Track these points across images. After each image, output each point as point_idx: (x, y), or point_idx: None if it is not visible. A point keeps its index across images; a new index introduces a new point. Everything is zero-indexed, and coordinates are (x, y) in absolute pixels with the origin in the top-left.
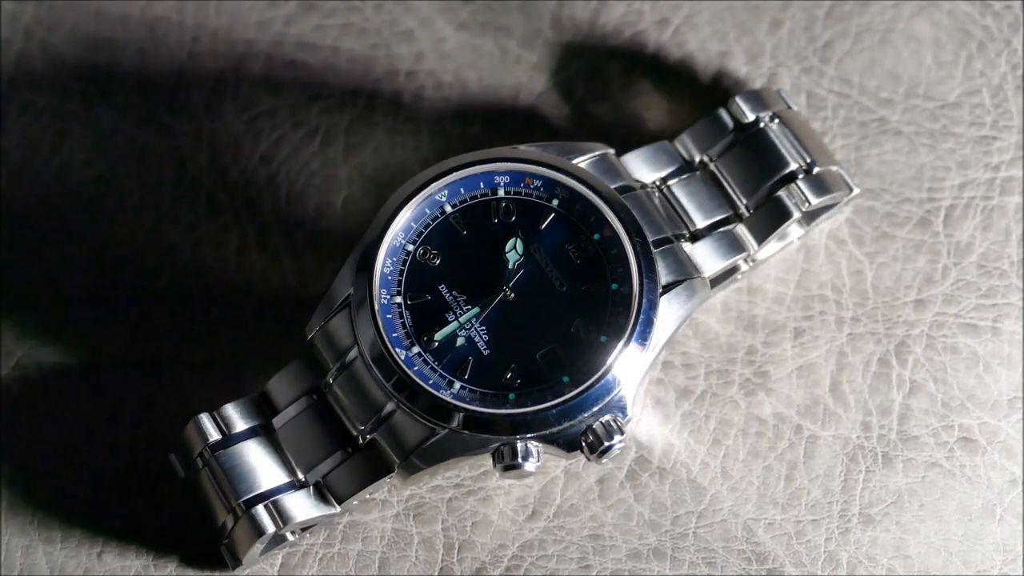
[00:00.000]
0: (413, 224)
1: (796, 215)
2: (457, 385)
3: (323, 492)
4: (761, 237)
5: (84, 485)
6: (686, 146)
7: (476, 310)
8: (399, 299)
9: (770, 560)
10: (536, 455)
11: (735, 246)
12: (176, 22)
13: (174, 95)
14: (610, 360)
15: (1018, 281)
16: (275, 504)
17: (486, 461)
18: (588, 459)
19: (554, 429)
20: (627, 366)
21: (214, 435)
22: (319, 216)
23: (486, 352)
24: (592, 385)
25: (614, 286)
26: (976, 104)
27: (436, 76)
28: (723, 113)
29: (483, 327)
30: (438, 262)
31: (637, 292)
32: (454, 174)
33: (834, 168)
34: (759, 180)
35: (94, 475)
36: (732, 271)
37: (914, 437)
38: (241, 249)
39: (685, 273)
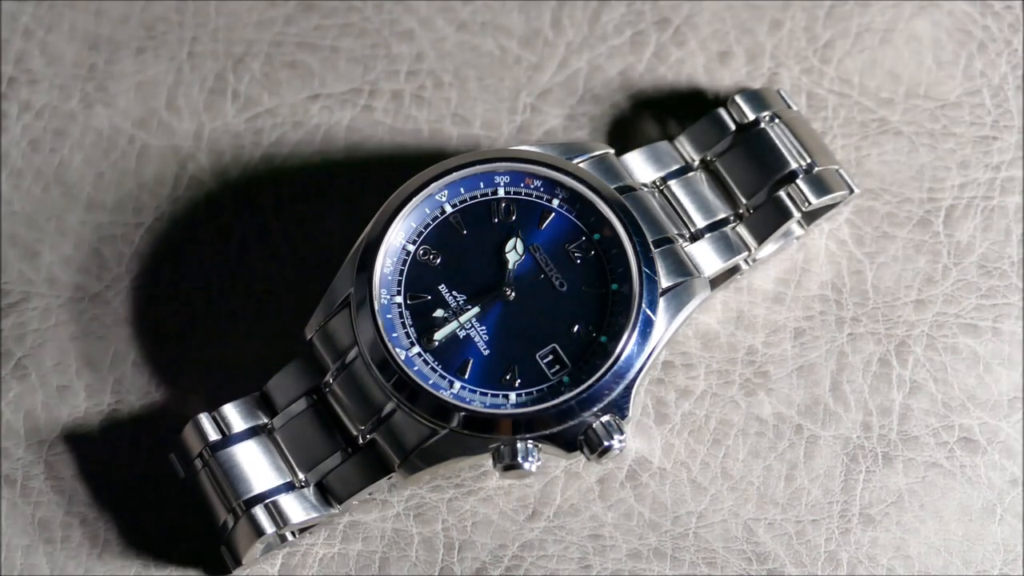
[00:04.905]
0: (413, 224)
1: (796, 215)
2: (457, 385)
3: (323, 492)
4: (761, 237)
5: (84, 485)
6: (686, 146)
7: (476, 310)
8: (399, 299)
9: (770, 560)
10: (536, 455)
11: (735, 246)
12: (176, 22)
13: (174, 95)
14: (610, 360)
15: (1018, 281)
16: (275, 504)
17: (486, 461)
18: (588, 459)
19: (554, 429)
20: (627, 366)
21: (213, 435)
22: (319, 216)
23: (486, 352)
24: (592, 385)
25: (614, 286)
26: (976, 104)
27: (436, 76)
28: (723, 113)
29: (483, 327)
30: (438, 262)
31: (637, 292)
32: (454, 174)
33: (834, 168)
34: (759, 180)
35: (94, 475)
36: (732, 271)
37: (914, 437)
38: (241, 249)
39: (685, 273)
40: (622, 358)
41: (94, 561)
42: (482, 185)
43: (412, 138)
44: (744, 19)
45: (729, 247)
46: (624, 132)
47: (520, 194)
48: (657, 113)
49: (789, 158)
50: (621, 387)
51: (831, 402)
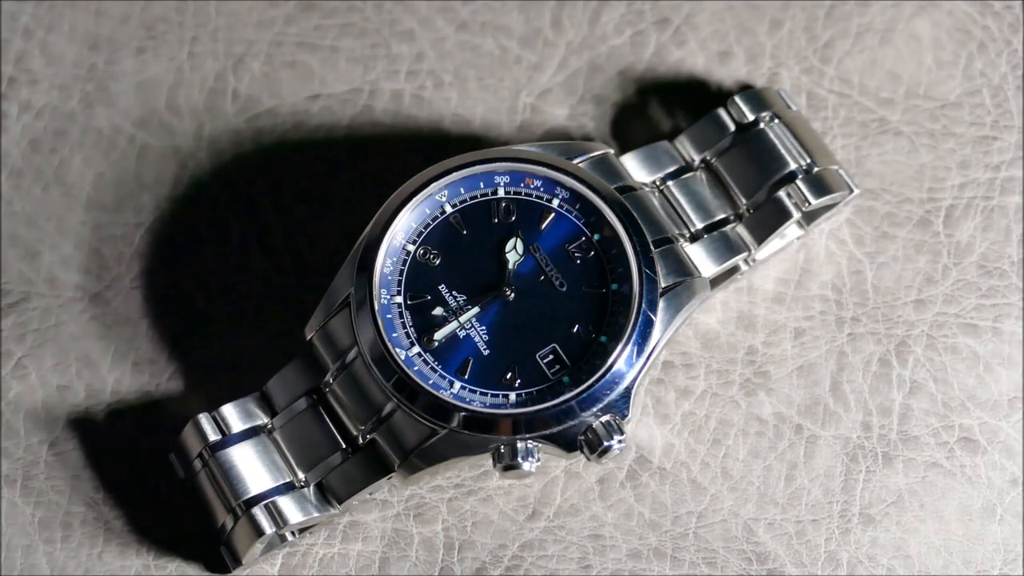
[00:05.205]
0: (413, 224)
1: (796, 215)
2: (457, 385)
3: (323, 492)
4: (761, 237)
5: (84, 485)
6: (685, 146)
7: (476, 310)
8: (399, 299)
9: (770, 560)
10: (536, 455)
11: (735, 246)
12: (176, 22)
13: (174, 95)
14: (610, 360)
15: (1018, 281)
16: (274, 505)
17: (486, 461)
18: (588, 459)
19: (554, 429)
20: (627, 366)
21: (213, 436)
22: (319, 216)
23: (486, 352)
24: (592, 385)
25: (614, 286)
26: (976, 104)
27: (436, 76)
28: (722, 113)
29: (483, 327)
30: (438, 262)
31: (637, 292)
32: (454, 174)
33: (834, 168)
34: (759, 180)
35: (94, 475)
36: (732, 271)
37: (914, 437)
38: (241, 249)
39: (685, 273)
40: (622, 358)
41: (94, 561)
42: (482, 185)
43: (412, 138)
44: (744, 19)
45: (729, 247)
46: (624, 132)
47: (520, 194)
48: (657, 113)
49: (788, 158)
50: (621, 387)
51: (831, 402)
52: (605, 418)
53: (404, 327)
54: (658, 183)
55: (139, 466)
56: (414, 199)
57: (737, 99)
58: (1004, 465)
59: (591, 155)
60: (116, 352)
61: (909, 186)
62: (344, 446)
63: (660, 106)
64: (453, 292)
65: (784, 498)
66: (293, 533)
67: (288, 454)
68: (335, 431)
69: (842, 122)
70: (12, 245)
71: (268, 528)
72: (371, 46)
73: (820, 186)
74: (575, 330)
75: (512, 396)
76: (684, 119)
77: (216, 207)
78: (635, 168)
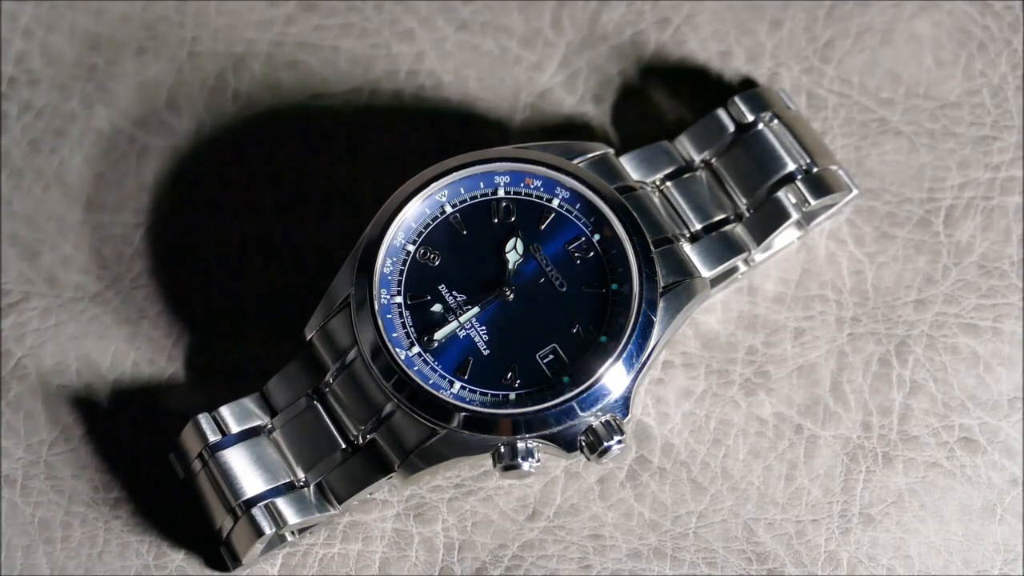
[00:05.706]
0: (413, 224)
1: (795, 216)
2: (457, 385)
3: (324, 492)
4: (760, 238)
5: (84, 485)
6: (685, 146)
7: (476, 310)
8: (399, 299)
9: (770, 560)
10: (536, 455)
11: (734, 247)
12: (176, 22)
13: (174, 95)
14: (610, 360)
15: (1018, 281)
16: (274, 505)
17: (486, 461)
18: (588, 459)
19: (554, 429)
20: (627, 366)
21: (212, 436)
22: (319, 215)
23: (486, 352)
24: (592, 385)
25: (614, 286)
26: (976, 104)
27: (436, 76)
28: (722, 113)
29: (483, 327)
30: (438, 262)
31: (637, 292)
32: (454, 174)
33: (834, 168)
34: (758, 180)
35: (94, 475)
36: (732, 271)
37: (914, 437)
38: (241, 249)
39: (685, 273)
40: (622, 358)
41: (94, 561)
42: (482, 185)
43: (412, 138)
44: (744, 19)
45: (729, 247)
46: (624, 132)
47: (520, 194)
48: (657, 113)
49: (788, 159)
50: (621, 387)
51: (831, 402)
52: (605, 418)
53: (404, 327)
54: (658, 183)
55: (139, 466)
56: (414, 199)
57: (737, 99)
58: (1004, 465)
59: (591, 155)
60: (116, 352)
61: (909, 186)
62: (344, 446)
63: (660, 106)
64: (453, 292)
65: (784, 498)
66: (293, 533)
67: (288, 454)
68: (335, 431)
69: (842, 122)
70: (12, 245)
71: (268, 528)
72: (371, 46)
73: (820, 186)
74: (575, 330)
75: (512, 396)
76: (684, 119)
77: (216, 207)
78: (635, 168)
